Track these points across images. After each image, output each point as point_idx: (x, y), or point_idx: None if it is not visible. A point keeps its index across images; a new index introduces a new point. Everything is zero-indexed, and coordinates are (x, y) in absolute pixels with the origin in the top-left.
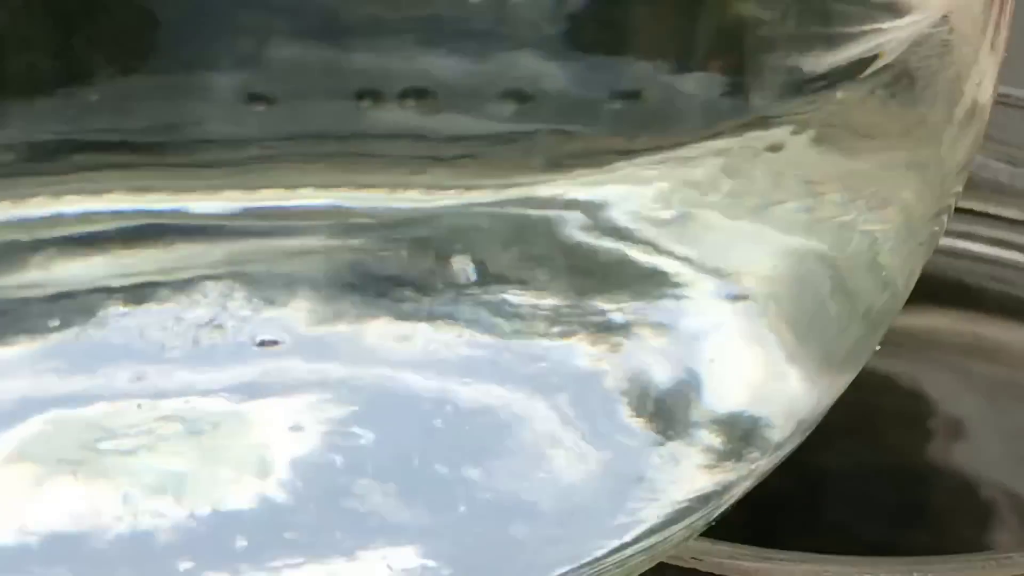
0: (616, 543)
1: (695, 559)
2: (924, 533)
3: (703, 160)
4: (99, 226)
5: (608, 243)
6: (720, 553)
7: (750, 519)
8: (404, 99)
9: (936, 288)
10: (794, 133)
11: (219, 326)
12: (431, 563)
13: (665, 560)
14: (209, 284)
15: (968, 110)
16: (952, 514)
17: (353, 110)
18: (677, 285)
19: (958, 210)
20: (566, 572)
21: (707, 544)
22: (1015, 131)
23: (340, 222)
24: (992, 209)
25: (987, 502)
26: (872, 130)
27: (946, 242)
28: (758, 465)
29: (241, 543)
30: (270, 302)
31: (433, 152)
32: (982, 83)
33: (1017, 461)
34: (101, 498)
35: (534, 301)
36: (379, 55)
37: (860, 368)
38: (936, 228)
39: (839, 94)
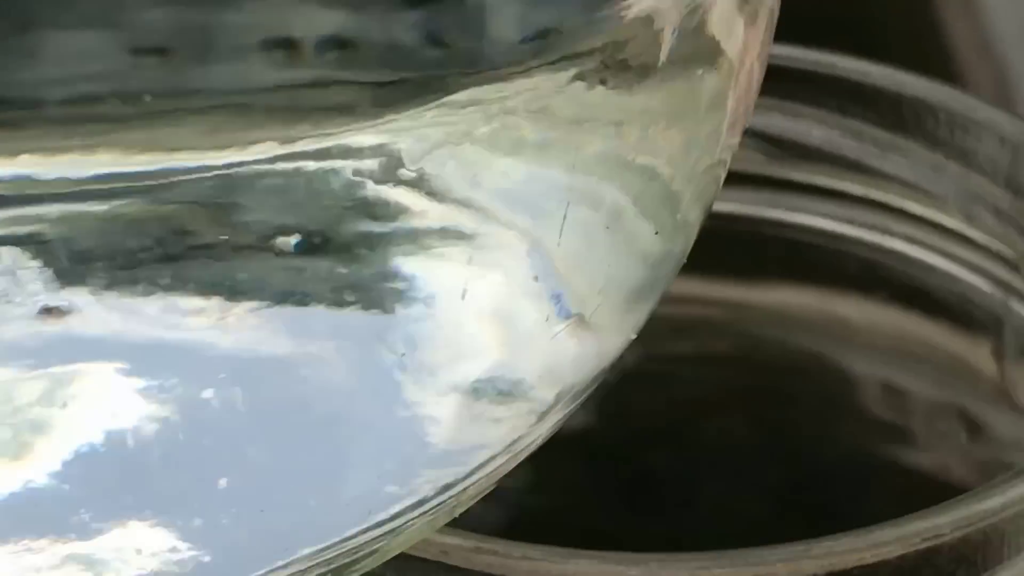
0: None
1: (442, 552)
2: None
3: (483, 105)
4: None
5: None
6: (466, 547)
7: (631, 493)
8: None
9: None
10: (576, 78)
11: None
12: (182, 544)
13: (410, 552)
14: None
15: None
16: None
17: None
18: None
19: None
20: (315, 551)
21: (455, 538)
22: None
23: (127, 186)
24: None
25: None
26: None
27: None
28: (530, 423)
29: None
30: (62, 271)
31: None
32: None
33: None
34: None
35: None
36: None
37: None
38: (712, 182)
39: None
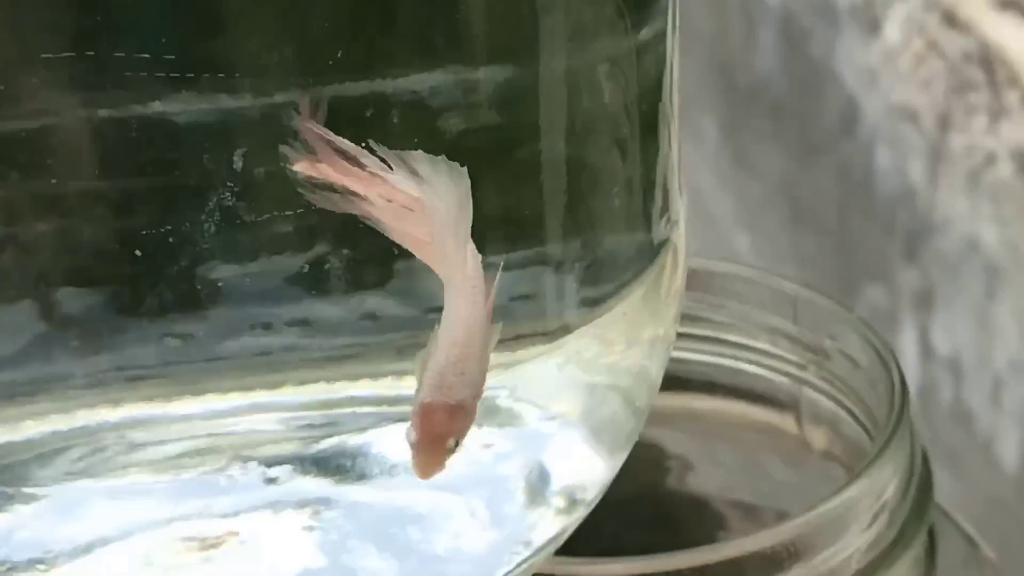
0: (516, 560)
1: None
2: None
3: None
4: None
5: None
6: None
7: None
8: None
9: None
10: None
11: None
12: None
13: None
14: None
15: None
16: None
17: None
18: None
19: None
20: None
21: None
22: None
23: None
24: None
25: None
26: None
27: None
28: (581, 514)
29: None
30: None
31: None
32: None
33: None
34: None
35: None
36: None
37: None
38: (667, 356)
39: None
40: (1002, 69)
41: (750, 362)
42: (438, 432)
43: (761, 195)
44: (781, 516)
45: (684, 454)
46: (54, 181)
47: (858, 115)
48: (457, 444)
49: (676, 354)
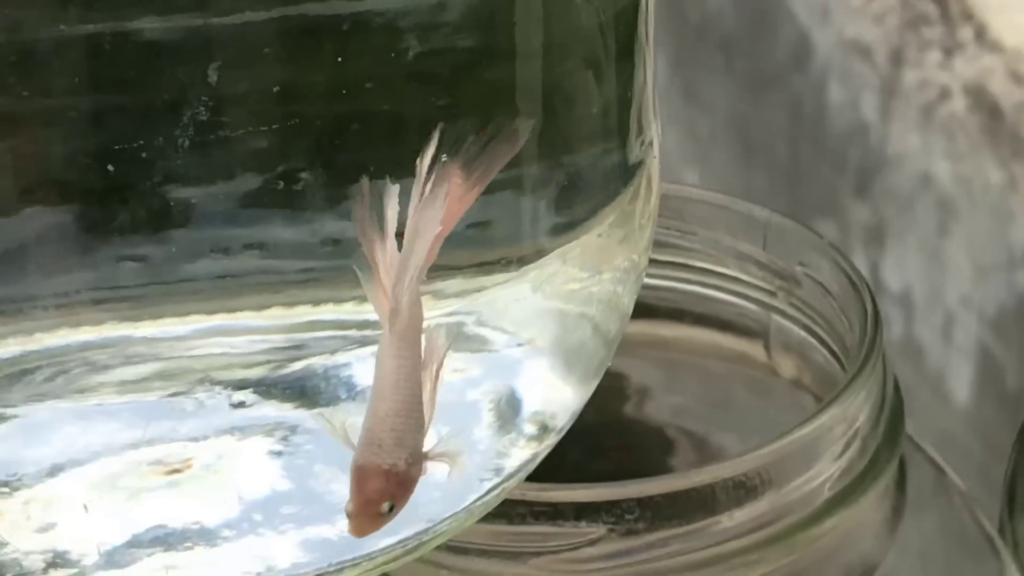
0: (486, 487)
1: None
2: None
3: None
4: None
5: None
6: None
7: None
8: None
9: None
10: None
11: None
12: None
13: None
14: None
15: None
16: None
17: None
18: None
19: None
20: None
21: None
22: None
23: None
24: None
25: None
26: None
27: None
28: (552, 441)
29: None
30: None
31: None
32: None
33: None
34: None
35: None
36: None
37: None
38: (639, 285)
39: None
40: (956, 3)
41: (719, 289)
42: (370, 498)
43: (711, 130)
44: (748, 445)
45: (648, 382)
46: (25, 94)
47: (810, 50)
48: (392, 508)
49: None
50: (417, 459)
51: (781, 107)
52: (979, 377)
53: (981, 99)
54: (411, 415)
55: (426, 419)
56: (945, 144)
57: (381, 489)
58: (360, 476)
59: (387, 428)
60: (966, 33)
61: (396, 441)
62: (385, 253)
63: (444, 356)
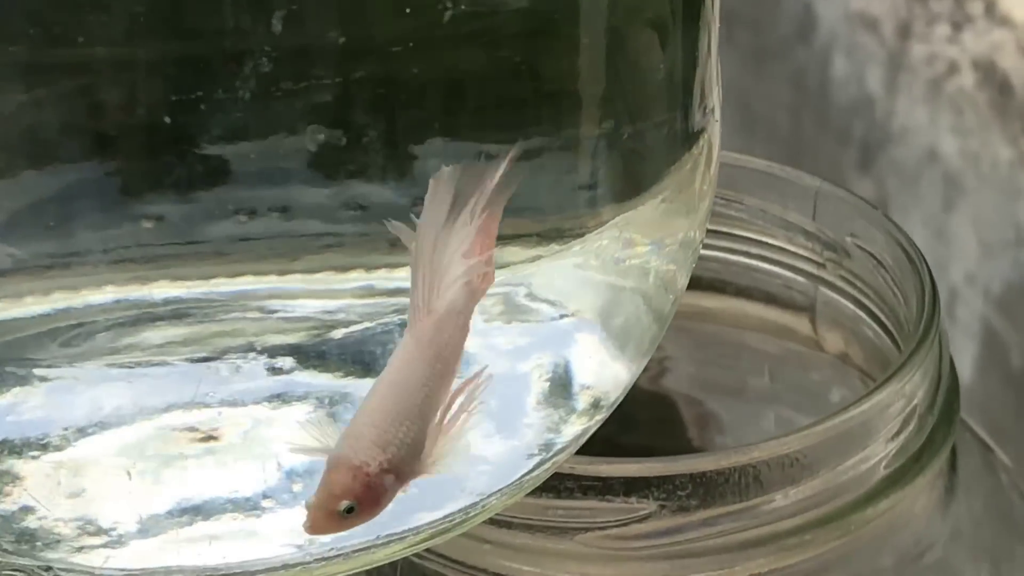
0: (535, 462)
1: None
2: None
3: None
4: None
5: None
6: None
7: None
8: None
9: None
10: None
11: None
12: None
13: None
14: None
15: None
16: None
17: None
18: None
19: None
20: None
21: None
22: None
23: None
24: None
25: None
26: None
27: None
28: (602, 417)
29: None
30: None
31: None
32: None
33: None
34: None
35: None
36: None
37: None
38: (694, 262)
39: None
40: None
41: (764, 259)
42: (331, 491)
43: None
44: (790, 422)
45: (686, 355)
46: (81, 41)
47: (815, 21)
48: (352, 511)
49: None
50: (396, 471)
51: (784, 79)
52: (983, 355)
53: (990, 74)
54: (403, 424)
55: (426, 446)
56: (953, 119)
57: (344, 485)
58: (328, 467)
59: (369, 423)
60: (976, 7)
61: (376, 440)
62: (434, 249)
63: (473, 401)
